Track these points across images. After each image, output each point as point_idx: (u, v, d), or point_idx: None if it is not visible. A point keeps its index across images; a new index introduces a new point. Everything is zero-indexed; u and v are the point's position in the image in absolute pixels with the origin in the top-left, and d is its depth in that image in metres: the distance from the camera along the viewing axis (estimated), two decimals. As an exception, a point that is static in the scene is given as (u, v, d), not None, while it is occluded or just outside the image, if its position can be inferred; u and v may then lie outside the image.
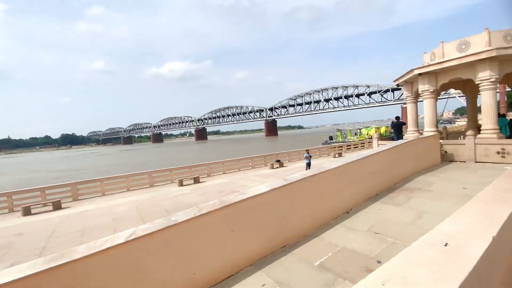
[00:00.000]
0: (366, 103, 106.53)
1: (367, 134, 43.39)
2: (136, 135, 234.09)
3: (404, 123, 12.05)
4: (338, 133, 52.50)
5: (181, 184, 14.00)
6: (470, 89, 11.51)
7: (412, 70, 9.86)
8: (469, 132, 8.50)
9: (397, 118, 11.92)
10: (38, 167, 59.91)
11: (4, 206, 11.11)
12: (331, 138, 51.73)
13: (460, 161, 8.54)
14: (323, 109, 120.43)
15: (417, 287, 0.81)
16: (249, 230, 3.39)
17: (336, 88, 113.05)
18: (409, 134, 11.20)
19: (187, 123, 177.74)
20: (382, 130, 40.85)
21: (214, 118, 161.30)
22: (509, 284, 1.32)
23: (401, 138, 10.74)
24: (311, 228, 4.11)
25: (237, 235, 3.24)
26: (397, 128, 11.65)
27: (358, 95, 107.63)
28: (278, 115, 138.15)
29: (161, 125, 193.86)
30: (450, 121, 78.35)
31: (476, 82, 8.46)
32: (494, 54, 7.64)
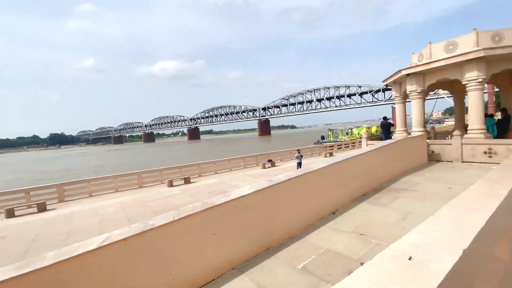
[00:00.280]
0: (357, 103, 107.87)
1: (358, 134, 43.84)
2: (127, 135, 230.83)
3: (392, 124, 12.21)
4: (329, 132, 52.93)
5: (171, 184, 13.82)
6: (458, 90, 11.70)
7: (400, 71, 9.94)
8: (456, 132, 8.60)
9: (385, 118, 12.08)
10: (25, 167, 58.29)
11: (-15, 208, 10.73)
12: (323, 137, 52.08)
13: (447, 161, 8.64)
14: (315, 109, 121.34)
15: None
16: (232, 233, 3.32)
17: (328, 88, 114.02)
18: (398, 134, 11.32)
19: (180, 123, 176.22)
20: (373, 130, 41.36)
21: (207, 117, 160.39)
22: None
23: (389, 138, 10.85)
24: (296, 230, 4.06)
25: (219, 239, 3.16)
26: (385, 128, 11.81)
27: (349, 95, 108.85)
28: (271, 114, 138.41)
29: (153, 125, 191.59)
30: (439, 121, 80.00)
31: (463, 83, 8.55)
32: (481, 54, 7.71)
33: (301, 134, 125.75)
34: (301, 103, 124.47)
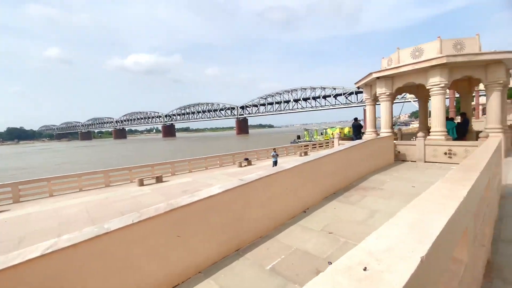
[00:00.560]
0: (332, 105, 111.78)
1: (332, 134, 45.37)
2: (95, 131, 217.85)
3: (361, 126, 12.75)
4: (305, 132, 54.27)
5: (141, 183, 13.20)
6: (422, 94, 12.46)
7: (371, 74, 10.35)
8: (420, 134, 9.12)
9: (356, 119, 12.60)
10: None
11: None
12: (299, 137, 53.22)
13: (411, 161, 9.14)
14: (292, 109, 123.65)
15: None
16: (199, 235, 3.16)
17: (305, 89, 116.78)
18: (367, 134, 11.81)
19: (154, 119, 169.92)
20: (346, 130, 43.05)
21: (183, 114, 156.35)
22: None
23: (360, 138, 11.28)
24: (267, 229, 4.00)
25: (184, 241, 2.99)
26: (356, 128, 12.29)
27: (325, 97, 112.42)
28: (249, 113, 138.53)
29: (125, 120, 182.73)
30: (406, 123, 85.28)
31: (428, 87, 9.08)
32: (444, 61, 8.23)
33: (278, 134, 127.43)
34: (279, 102, 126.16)
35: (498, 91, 8.63)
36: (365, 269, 0.75)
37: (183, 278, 2.95)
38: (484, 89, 9.28)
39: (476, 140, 8.34)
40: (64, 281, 2.22)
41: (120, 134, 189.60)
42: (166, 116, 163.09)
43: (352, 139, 12.26)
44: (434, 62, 8.45)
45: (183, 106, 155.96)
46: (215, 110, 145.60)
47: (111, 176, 14.21)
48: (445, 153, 8.48)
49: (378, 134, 11.22)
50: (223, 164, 18.53)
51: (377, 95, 10.67)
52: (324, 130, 52.86)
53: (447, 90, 9.54)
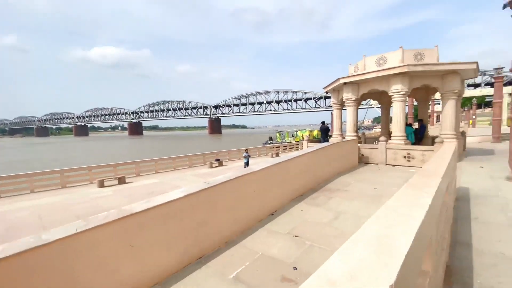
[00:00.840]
0: (302, 108, 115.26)
1: (302, 136, 46.67)
2: (54, 127, 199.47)
3: (328, 129, 13.22)
4: (277, 134, 55.19)
5: (101, 185, 12.25)
6: (385, 100, 13.26)
7: (338, 79, 10.73)
8: (382, 138, 9.64)
9: (323, 123, 13.04)
10: None
11: None
12: (271, 138, 53.94)
13: (374, 163, 9.63)
14: (265, 111, 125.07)
15: None
16: (157, 243, 2.91)
17: (278, 92, 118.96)
18: (334, 137, 12.25)
19: (120, 116, 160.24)
20: (315, 133, 44.53)
21: (152, 111, 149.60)
22: None
23: (327, 141, 11.65)
24: (233, 234, 3.85)
25: (139, 251, 2.72)
26: (324, 132, 12.71)
27: (296, 100, 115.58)
28: (222, 113, 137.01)
29: (87, 116, 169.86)
30: (369, 128, 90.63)
31: (390, 94, 9.64)
32: (405, 70, 8.77)
33: (251, 134, 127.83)
34: (253, 104, 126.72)
35: (453, 100, 9.40)
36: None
37: (137, 292, 2.68)
38: (439, 98, 10.08)
39: (432, 145, 9.02)
40: (-18, 306, 1.86)
41: (81, 131, 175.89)
42: (133, 113, 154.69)
43: (320, 141, 12.62)
44: (396, 71, 8.99)
45: (151, 103, 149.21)
46: (186, 109, 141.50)
47: (68, 177, 13.01)
48: (404, 157, 9.06)
49: (344, 138, 11.68)
50: (193, 165, 17.97)
51: (344, 100, 11.10)
52: (295, 132, 54.20)
53: (407, 98, 10.21)
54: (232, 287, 2.71)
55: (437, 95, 14.73)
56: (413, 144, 9.99)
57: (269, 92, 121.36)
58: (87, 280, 2.36)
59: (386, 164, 9.34)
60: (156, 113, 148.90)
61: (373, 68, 10.17)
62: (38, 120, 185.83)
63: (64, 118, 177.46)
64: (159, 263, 2.91)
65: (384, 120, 14.43)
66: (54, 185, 12.56)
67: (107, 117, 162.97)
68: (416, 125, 13.41)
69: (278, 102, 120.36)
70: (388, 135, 11.55)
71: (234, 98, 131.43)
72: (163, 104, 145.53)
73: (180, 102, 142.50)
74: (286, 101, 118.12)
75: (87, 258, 2.38)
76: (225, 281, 2.82)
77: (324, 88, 12.74)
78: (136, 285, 2.68)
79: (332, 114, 13.46)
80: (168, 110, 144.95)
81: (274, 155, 21.92)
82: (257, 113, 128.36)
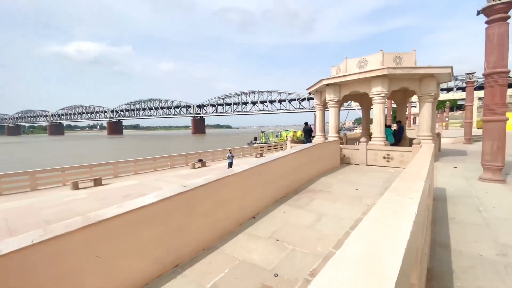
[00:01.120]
0: (287, 109, 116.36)
1: (286, 136, 47.05)
2: (26, 125, 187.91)
3: (311, 130, 13.34)
4: (262, 134, 55.39)
5: (76, 187, 11.59)
6: (366, 102, 13.55)
7: (321, 80, 10.81)
8: (362, 139, 9.80)
9: (306, 123, 13.13)
10: None
11: None
12: (255, 138, 54.02)
13: (355, 164, 9.77)
14: (249, 111, 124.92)
15: None
16: (127, 252, 2.68)
17: (262, 92, 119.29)
18: (317, 138, 12.35)
19: (98, 114, 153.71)
20: (299, 133, 45.04)
21: (133, 110, 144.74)
22: None
23: (310, 141, 11.72)
24: (212, 240, 3.68)
25: (106, 262, 2.49)
26: (307, 132, 12.79)
27: (280, 101, 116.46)
28: (206, 113, 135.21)
29: (63, 114, 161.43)
30: (350, 129, 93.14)
31: (370, 96, 9.83)
32: (385, 72, 8.97)
33: (236, 134, 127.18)
34: (237, 104, 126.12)
35: (430, 102, 9.74)
36: None
37: (104, 307, 2.45)
38: (416, 100, 10.42)
39: (410, 146, 9.28)
40: None
41: (57, 129, 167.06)
42: (112, 111, 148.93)
43: (303, 142, 12.68)
44: (377, 73, 9.18)
45: (132, 101, 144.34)
46: (169, 108, 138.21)
47: (39, 178, 12.20)
48: (384, 157, 9.26)
49: (326, 138, 11.79)
50: (174, 165, 17.48)
51: (326, 101, 11.20)
52: (279, 133, 54.58)
53: (386, 100, 10.47)
54: (209, 297, 2.55)
55: (414, 98, 15.36)
56: (392, 145, 10.24)
57: (253, 92, 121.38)
58: (43, 297, 2.11)
59: (367, 165, 9.50)
60: (137, 111, 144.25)
61: (354, 70, 10.33)
62: (9, 118, 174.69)
63: (38, 116, 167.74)
64: (130, 274, 2.69)
65: (365, 121, 14.76)
66: (23, 187, 11.74)
67: (84, 115, 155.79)
68: (394, 127, 13.81)
69: (262, 102, 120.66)
70: (369, 136, 11.79)
71: (219, 97, 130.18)
72: (144, 102, 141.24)
73: (163, 101, 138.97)
74: (271, 102, 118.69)
75: (45, 273, 2.12)
76: (202, 291, 2.65)
77: (307, 89, 12.81)
78: (103, 299, 2.44)
79: (315, 115, 13.57)
80: (150, 109, 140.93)
81: (258, 156, 21.85)
82: (242, 113, 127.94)
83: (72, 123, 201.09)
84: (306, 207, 4.99)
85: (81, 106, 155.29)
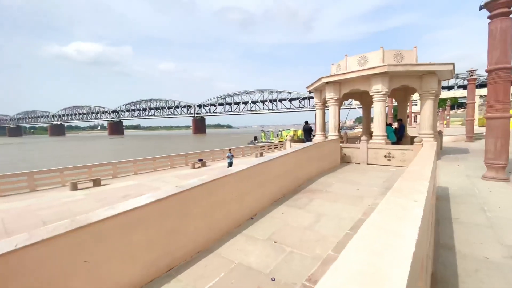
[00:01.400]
0: (287, 108, 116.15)
1: (287, 136, 46.99)
2: (28, 126, 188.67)
3: (311, 129, 13.24)
4: (262, 134, 55.45)
5: (74, 187, 11.52)
6: (366, 101, 13.42)
7: (320, 79, 10.69)
8: (363, 138, 9.68)
9: (306, 122, 13.03)
10: None
11: None
12: (256, 138, 54.05)
13: (355, 163, 9.65)
14: (250, 110, 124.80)
15: None
16: (118, 256, 2.58)
17: (263, 91, 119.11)
18: (317, 137, 12.23)
19: (99, 115, 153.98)
20: (299, 133, 44.98)
21: (133, 110, 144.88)
22: None
23: (310, 140, 11.61)
24: (208, 242, 3.57)
25: (95, 267, 2.39)
26: (307, 131, 12.68)
27: (281, 100, 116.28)
28: (206, 112, 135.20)
29: (64, 115, 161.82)
30: (351, 128, 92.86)
31: (371, 94, 9.69)
32: (386, 69, 8.83)
33: (236, 134, 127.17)
34: (238, 103, 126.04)
35: (431, 100, 9.59)
36: None
37: (93, 313, 2.35)
38: (416, 98, 10.28)
39: (411, 144, 9.15)
40: None
41: (57, 130, 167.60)
42: (113, 111, 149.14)
43: (303, 141, 12.57)
44: (377, 70, 9.04)
45: (133, 101, 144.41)
46: (169, 108, 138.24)
47: (37, 179, 12.17)
48: (385, 156, 9.13)
49: (326, 137, 11.66)
50: (174, 166, 17.40)
51: (326, 99, 11.08)
52: (280, 132, 54.59)
53: (387, 98, 10.34)
54: (203, 303, 2.45)
55: (415, 96, 15.20)
56: (393, 143, 10.12)
57: (254, 92, 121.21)
58: (28, 305, 2.01)
59: (368, 164, 9.38)
60: (137, 112, 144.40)
61: (354, 67, 10.20)
62: (10, 119, 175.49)
63: (39, 117, 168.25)
64: (121, 278, 2.59)
65: (365, 120, 14.63)
66: (22, 188, 11.69)
67: (85, 116, 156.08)
68: (395, 125, 13.69)
69: (263, 102, 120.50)
70: (369, 134, 11.67)
71: (219, 97, 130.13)
72: (145, 102, 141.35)
73: (163, 101, 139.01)
74: (271, 101, 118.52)
75: (29, 280, 2.02)
76: (196, 296, 2.55)
77: (307, 87, 12.69)
78: (92, 306, 2.35)
79: (315, 114, 13.46)
80: (151, 109, 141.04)
81: (258, 155, 21.75)
82: (242, 113, 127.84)
83: (73, 124, 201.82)
84: (305, 207, 4.88)
85: (82, 107, 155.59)
